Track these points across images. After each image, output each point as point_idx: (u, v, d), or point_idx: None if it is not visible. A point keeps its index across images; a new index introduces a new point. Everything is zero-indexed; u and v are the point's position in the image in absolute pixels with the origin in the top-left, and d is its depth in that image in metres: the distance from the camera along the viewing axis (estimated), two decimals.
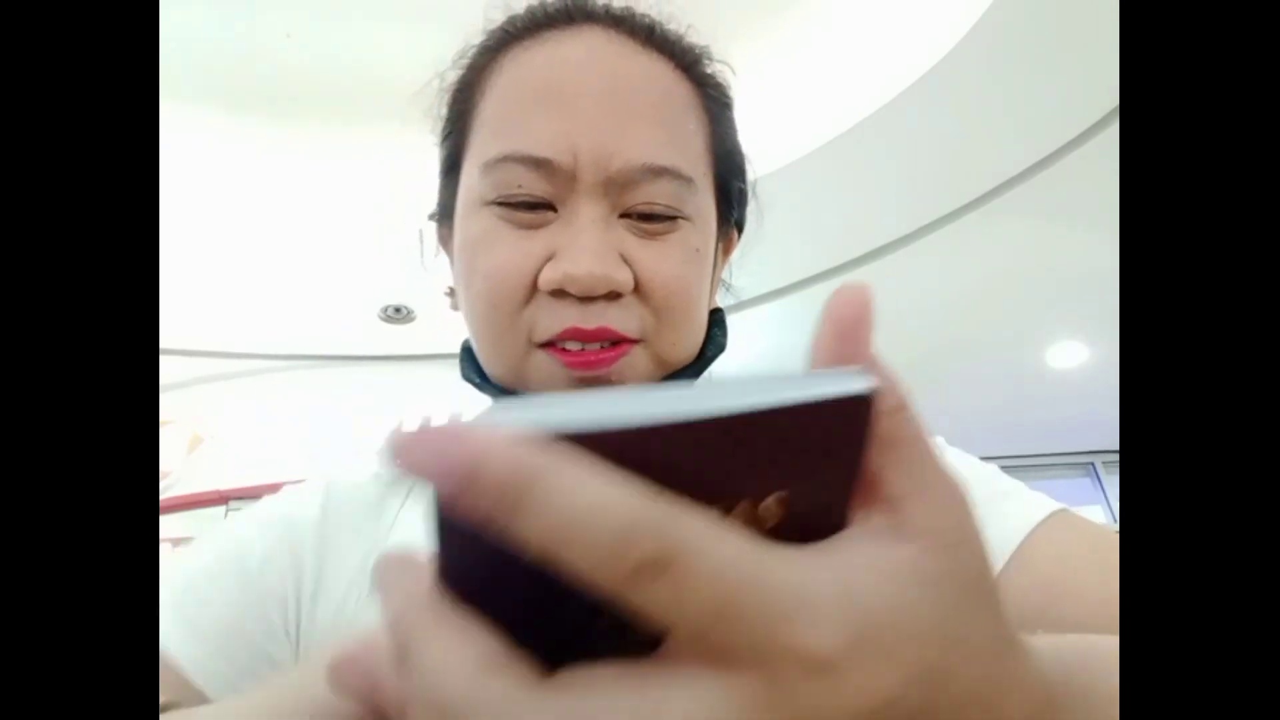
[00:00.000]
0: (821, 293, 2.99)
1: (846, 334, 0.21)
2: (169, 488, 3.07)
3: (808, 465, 0.19)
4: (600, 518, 0.16)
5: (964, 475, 0.51)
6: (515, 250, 0.46)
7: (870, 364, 0.20)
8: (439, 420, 0.16)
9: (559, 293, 0.45)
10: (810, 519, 0.19)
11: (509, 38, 0.51)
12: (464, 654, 0.17)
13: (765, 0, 2.18)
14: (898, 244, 2.79)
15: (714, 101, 0.53)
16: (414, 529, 0.51)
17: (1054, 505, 0.47)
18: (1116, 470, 4.39)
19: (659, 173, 0.46)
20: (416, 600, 0.18)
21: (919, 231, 2.73)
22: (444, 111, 0.54)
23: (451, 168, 0.53)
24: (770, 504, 0.19)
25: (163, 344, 2.91)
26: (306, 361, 3.22)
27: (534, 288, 0.45)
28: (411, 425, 0.16)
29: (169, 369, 3.09)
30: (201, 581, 0.46)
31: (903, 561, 0.19)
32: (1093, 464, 4.44)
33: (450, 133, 0.53)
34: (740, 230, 0.60)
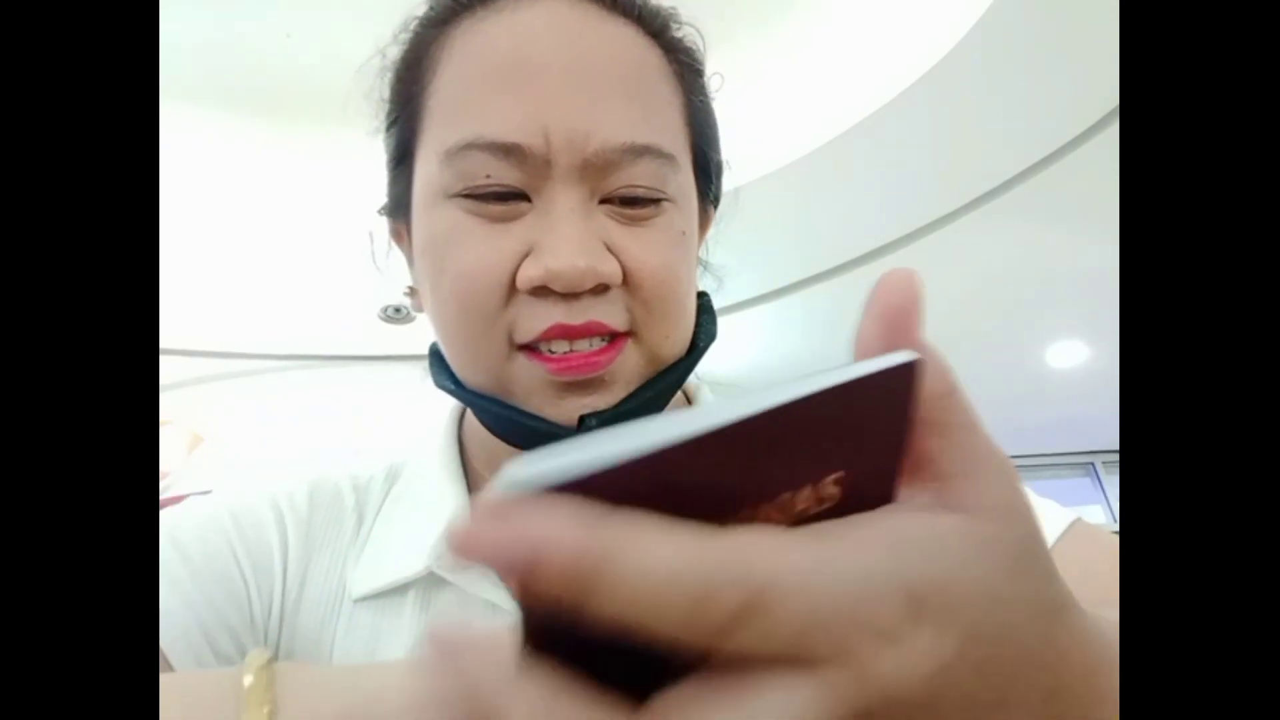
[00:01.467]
0: (821, 293, 2.99)
1: (895, 321, 0.21)
2: (169, 488, 3.07)
3: (860, 442, 0.19)
4: (677, 584, 0.16)
5: None
6: (488, 247, 0.41)
7: (918, 348, 0.20)
8: (494, 505, 0.16)
9: (540, 290, 0.41)
10: (865, 492, 0.20)
11: (459, 8, 0.45)
12: (560, 703, 0.17)
13: (763, 2, 2.17)
14: (897, 244, 2.79)
15: (686, 68, 0.48)
16: (387, 539, 0.48)
17: (1069, 516, 0.46)
18: (1116, 470, 4.39)
19: (640, 152, 0.42)
20: (492, 666, 0.18)
21: (918, 232, 2.73)
22: (387, 94, 0.49)
23: (402, 157, 0.47)
24: (829, 485, 0.19)
25: (163, 344, 2.91)
26: (306, 361, 3.22)
27: (512, 287, 0.41)
28: (468, 516, 0.16)
29: (169, 369, 3.09)
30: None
31: (952, 528, 0.19)
32: (1093, 464, 4.44)
33: (398, 118, 0.48)
34: (716, 205, 0.55)
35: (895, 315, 0.21)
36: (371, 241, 0.55)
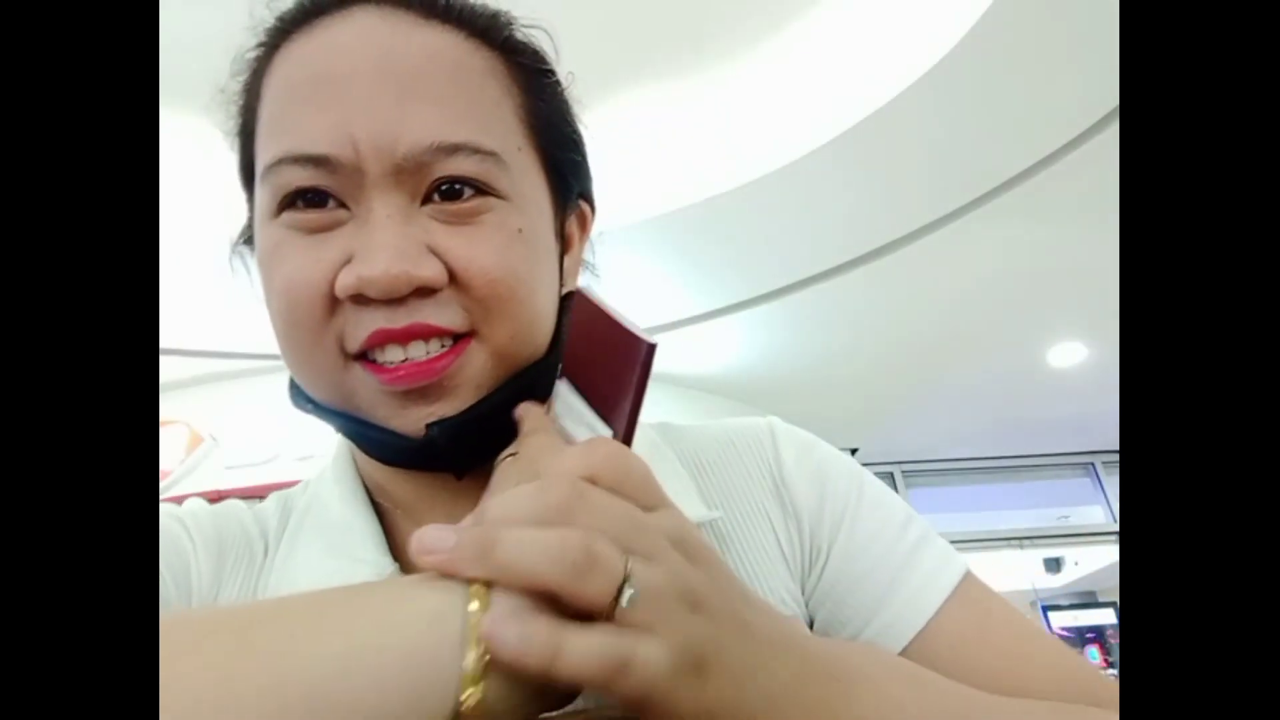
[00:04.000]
0: (821, 293, 3.00)
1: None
2: (169, 488, 3.06)
3: None
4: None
5: (871, 531, 0.49)
6: (307, 259, 0.41)
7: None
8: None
9: (360, 299, 0.40)
10: None
11: (282, 34, 0.45)
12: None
13: (765, 1, 2.17)
14: (898, 244, 2.79)
15: (522, 69, 0.47)
16: (297, 561, 0.47)
17: (956, 575, 0.46)
18: (1116, 470, 4.39)
19: (453, 150, 0.41)
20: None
21: (919, 231, 2.73)
22: (233, 124, 0.49)
23: (248, 182, 0.47)
24: None
25: (163, 344, 2.90)
26: None
27: (333, 298, 0.41)
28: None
29: (169, 369, 3.09)
30: None
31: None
32: (1093, 464, 4.44)
33: (239, 145, 0.48)
34: (592, 204, 0.53)
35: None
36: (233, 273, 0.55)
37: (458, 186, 0.41)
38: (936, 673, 0.40)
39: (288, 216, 0.41)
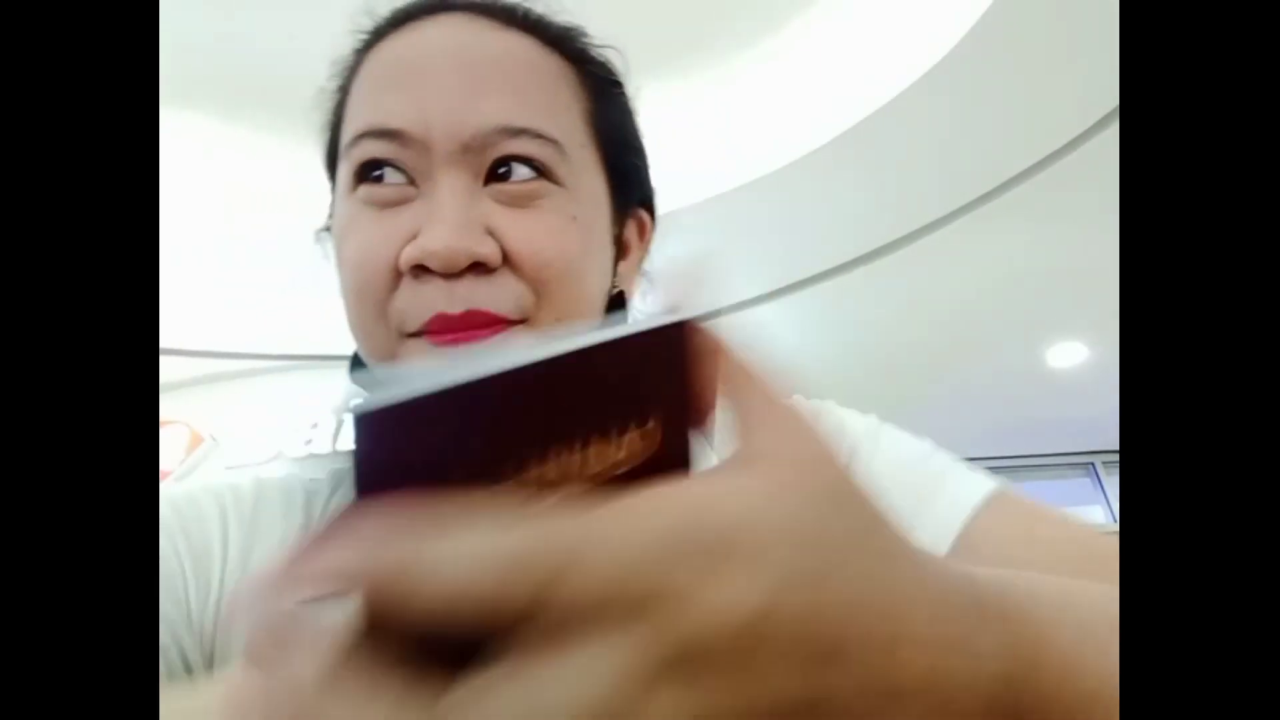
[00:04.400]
0: (820, 293, 2.99)
1: (677, 292, 0.22)
2: None
3: (643, 398, 0.21)
4: (480, 570, 0.16)
5: (899, 454, 0.48)
6: (376, 232, 0.43)
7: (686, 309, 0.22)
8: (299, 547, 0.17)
9: (421, 272, 0.42)
10: (666, 450, 0.21)
11: (375, 36, 0.49)
12: (376, 701, 0.16)
13: (766, 1, 2.17)
14: (898, 244, 2.79)
15: (592, 77, 0.50)
16: None
17: (989, 487, 0.45)
18: (1116, 470, 4.39)
19: (517, 133, 0.43)
20: (313, 664, 0.17)
21: (919, 231, 2.73)
22: (326, 122, 0.52)
23: (332, 169, 0.51)
24: (627, 440, 0.20)
25: (163, 344, 2.91)
26: (306, 361, 3.22)
27: (398, 272, 0.43)
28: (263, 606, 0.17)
29: (169, 369, 3.09)
30: None
31: (749, 479, 0.19)
32: (1093, 464, 4.44)
33: (327, 140, 0.52)
34: (653, 214, 0.56)
35: (678, 287, 0.22)
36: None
37: (518, 166, 0.44)
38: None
39: (362, 191, 0.44)
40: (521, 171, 0.44)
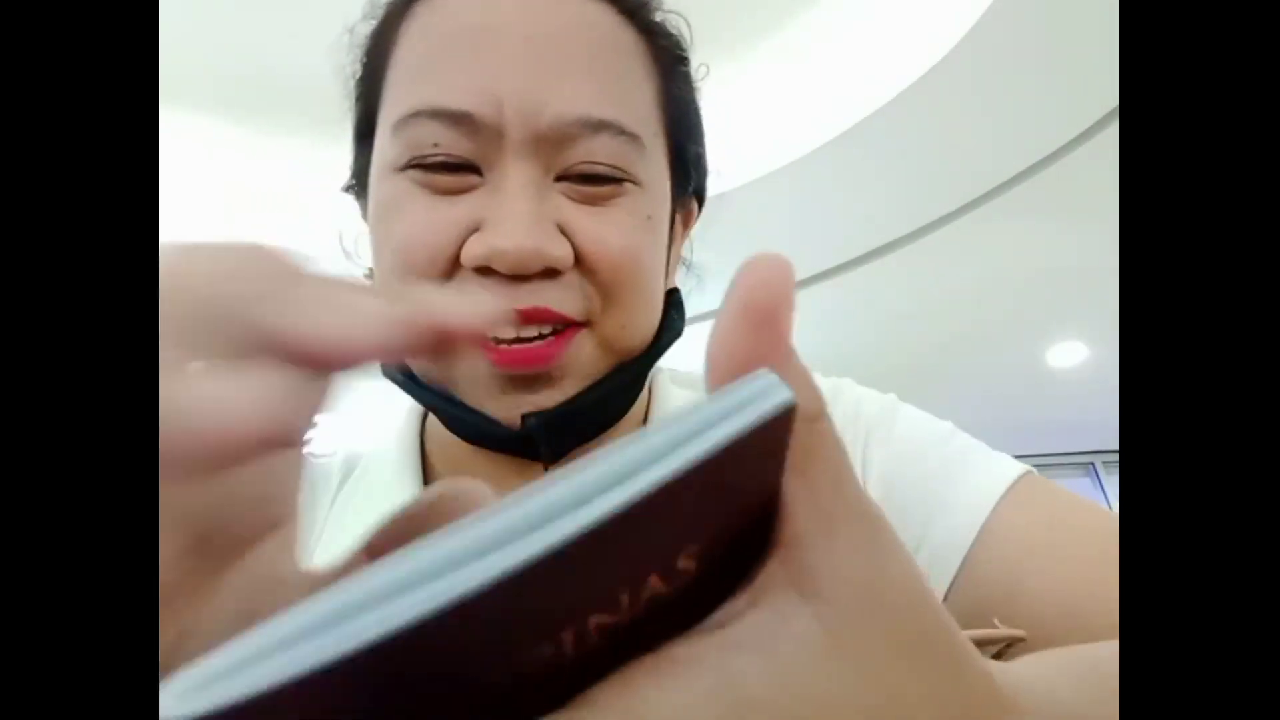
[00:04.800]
0: (820, 293, 2.99)
1: (763, 324, 0.16)
2: None
3: (717, 513, 0.15)
4: None
5: (918, 436, 0.46)
6: (432, 217, 0.39)
7: (786, 362, 0.16)
8: None
9: (485, 270, 0.38)
10: (723, 562, 0.16)
11: None
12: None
13: (765, 1, 2.17)
14: (898, 244, 2.79)
15: (664, 52, 0.45)
16: (339, 532, 0.45)
17: (1015, 470, 0.43)
18: (1116, 470, 4.39)
19: (599, 127, 0.39)
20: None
21: (919, 231, 2.73)
22: (356, 70, 0.47)
23: (365, 132, 0.45)
24: (679, 565, 0.15)
25: None
26: None
27: (455, 262, 0.39)
28: None
29: None
30: None
31: (799, 631, 0.15)
32: (1093, 464, 4.44)
33: (362, 92, 0.46)
34: (701, 201, 0.52)
35: (765, 318, 0.16)
36: (340, 241, 0.53)
37: (599, 169, 0.39)
38: (996, 579, 0.36)
39: (416, 173, 0.39)
40: (600, 171, 0.39)
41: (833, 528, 0.15)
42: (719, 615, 0.16)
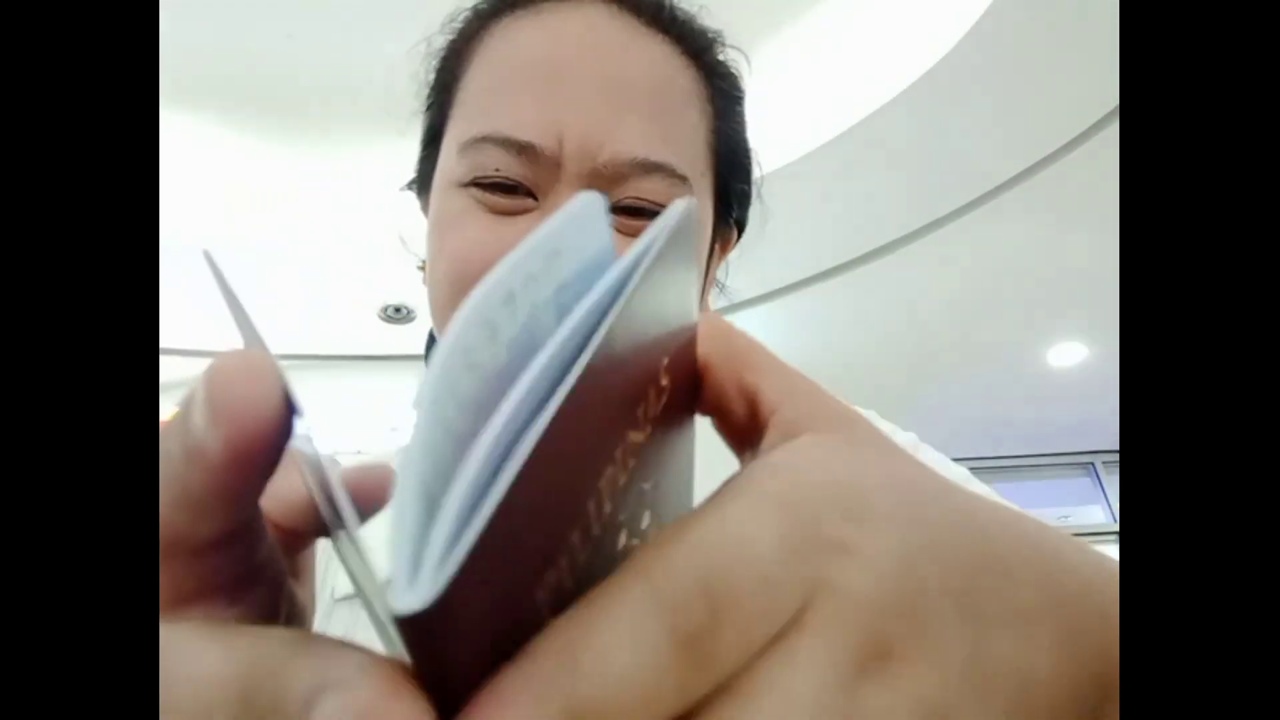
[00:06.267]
0: (819, 294, 2.99)
1: None
2: None
3: (672, 316, 0.18)
4: (631, 664, 0.12)
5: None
6: (487, 234, 0.42)
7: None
8: None
9: None
10: (680, 381, 0.19)
11: (503, 5, 0.47)
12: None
13: (765, 2, 2.17)
14: (898, 244, 2.79)
15: (721, 94, 0.49)
16: (366, 540, 0.46)
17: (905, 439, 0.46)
18: (1116, 470, 4.39)
19: (650, 169, 0.42)
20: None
21: (919, 231, 2.73)
22: (430, 78, 0.50)
23: (432, 139, 0.49)
24: (664, 379, 0.17)
25: (163, 344, 2.91)
26: (306, 361, 3.22)
27: None
28: None
29: (169, 369, 3.09)
30: None
31: (813, 442, 0.17)
32: (1093, 464, 4.44)
33: (433, 103, 0.50)
34: (741, 230, 0.56)
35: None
36: (403, 244, 0.56)
37: (644, 204, 0.42)
38: None
39: (477, 191, 0.43)
40: (647, 207, 0.42)
41: (791, 391, 0.18)
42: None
